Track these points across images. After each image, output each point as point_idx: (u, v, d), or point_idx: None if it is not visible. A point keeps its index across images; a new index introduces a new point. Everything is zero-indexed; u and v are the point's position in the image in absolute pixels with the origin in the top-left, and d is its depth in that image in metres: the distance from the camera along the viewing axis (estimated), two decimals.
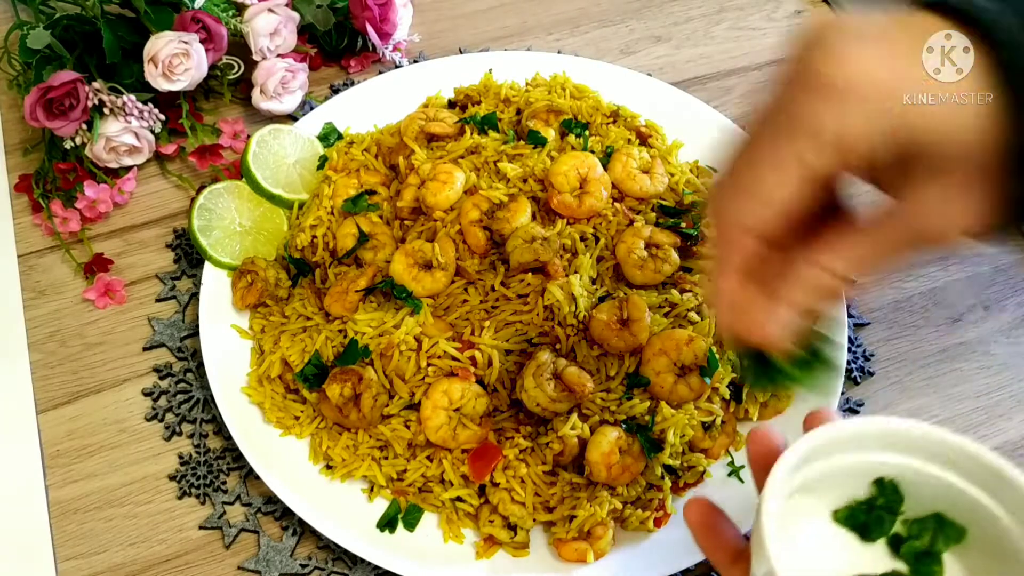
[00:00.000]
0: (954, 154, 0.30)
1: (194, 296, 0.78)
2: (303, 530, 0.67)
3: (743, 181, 0.31)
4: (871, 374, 0.77)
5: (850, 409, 0.75)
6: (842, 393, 0.71)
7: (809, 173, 0.30)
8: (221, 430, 0.71)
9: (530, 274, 0.70)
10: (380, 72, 0.95)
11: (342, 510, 0.66)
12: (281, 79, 0.88)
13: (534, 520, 0.65)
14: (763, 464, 0.39)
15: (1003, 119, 0.30)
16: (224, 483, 0.69)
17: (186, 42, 0.83)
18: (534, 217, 0.73)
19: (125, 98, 0.82)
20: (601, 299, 0.70)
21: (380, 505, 0.67)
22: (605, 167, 0.75)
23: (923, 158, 0.31)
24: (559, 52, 0.97)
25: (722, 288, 0.34)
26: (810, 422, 0.41)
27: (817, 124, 0.29)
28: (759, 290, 0.33)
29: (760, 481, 0.40)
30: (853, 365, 0.77)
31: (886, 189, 0.33)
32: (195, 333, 0.75)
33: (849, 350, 0.75)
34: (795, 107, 0.29)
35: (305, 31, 0.94)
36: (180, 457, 0.70)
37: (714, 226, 0.33)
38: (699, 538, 0.44)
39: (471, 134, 0.77)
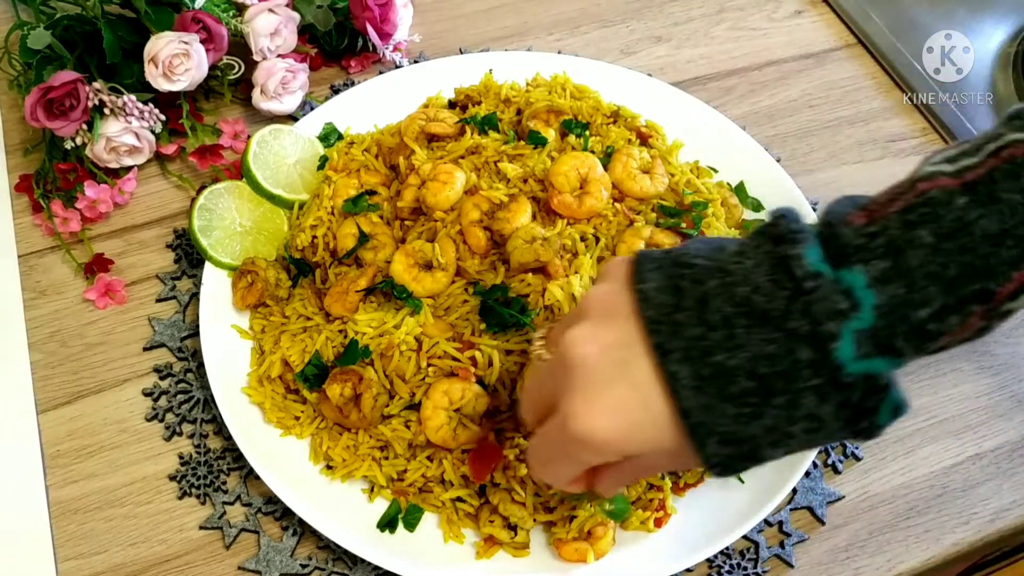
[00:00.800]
0: (661, 452, 0.48)
1: (194, 296, 0.78)
2: (303, 530, 0.67)
3: (556, 473, 0.53)
4: None
5: None
6: None
7: (581, 469, 0.51)
8: (221, 430, 0.71)
9: (530, 274, 0.70)
10: (380, 72, 0.95)
11: (342, 510, 0.66)
12: (281, 79, 0.88)
13: (534, 520, 0.66)
14: None
15: (685, 433, 0.46)
16: (224, 483, 0.69)
17: (186, 42, 0.83)
18: (534, 217, 0.72)
19: (125, 98, 0.82)
20: None
21: (380, 505, 0.67)
22: (605, 167, 0.75)
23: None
24: (559, 52, 0.97)
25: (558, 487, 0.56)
26: None
27: (582, 459, 0.50)
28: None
29: None
30: None
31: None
32: (195, 333, 0.75)
33: None
34: (570, 449, 0.49)
35: (305, 31, 0.94)
36: (180, 457, 0.70)
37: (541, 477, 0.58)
38: None
39: (471, 134, 0.77)
